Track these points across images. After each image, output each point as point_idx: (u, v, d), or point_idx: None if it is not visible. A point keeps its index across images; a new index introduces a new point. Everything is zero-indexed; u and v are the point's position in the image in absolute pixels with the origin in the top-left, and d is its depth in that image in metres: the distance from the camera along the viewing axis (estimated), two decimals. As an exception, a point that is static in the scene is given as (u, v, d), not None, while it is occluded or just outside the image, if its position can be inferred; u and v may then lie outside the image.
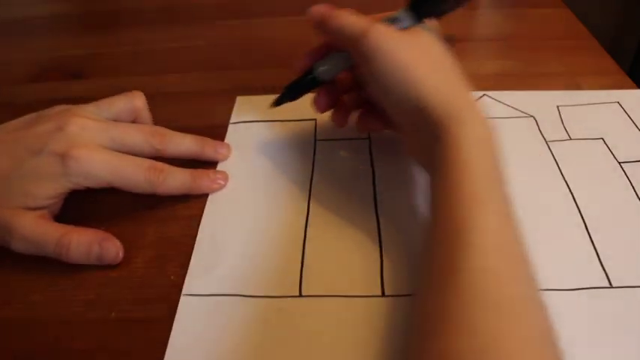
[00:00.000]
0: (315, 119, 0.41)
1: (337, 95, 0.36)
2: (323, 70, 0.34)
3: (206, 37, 0.55)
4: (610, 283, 0.28)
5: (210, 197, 0.35)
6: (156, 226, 0.33)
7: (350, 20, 0.30)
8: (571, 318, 0.27)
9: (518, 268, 0.23)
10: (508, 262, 0.22)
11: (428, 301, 0.23)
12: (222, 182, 0.35)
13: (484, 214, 0.23)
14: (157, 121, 0.43)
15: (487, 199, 0.24)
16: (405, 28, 0.30)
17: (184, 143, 0.35)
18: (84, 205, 0.32)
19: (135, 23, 0.59)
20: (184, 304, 0.28)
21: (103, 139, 0.31)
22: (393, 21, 0.30)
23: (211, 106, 0.44)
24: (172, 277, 0.30)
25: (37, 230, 0.29)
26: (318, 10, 0.32)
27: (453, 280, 0.21)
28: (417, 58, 0.29)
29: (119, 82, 0.48)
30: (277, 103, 0.37)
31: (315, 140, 0.39)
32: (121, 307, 0.29)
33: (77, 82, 0.49)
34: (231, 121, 0.42)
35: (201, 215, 0.34)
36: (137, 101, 0.35)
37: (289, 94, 0.36)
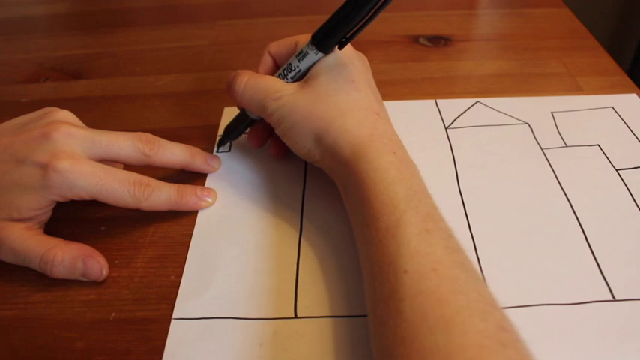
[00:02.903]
0: None
1: (270, 131, 0.36)
2: (250, 110, 0.35)
3: (206, 37, 0.55)
4: (613, 296, 0.28)
5: (199, 215, 0.34)
6: (156, 226, 0.34)
7: (247, 94, 0.33)
8: (574, 333, 0.26)
9: (456, 280, 0.23)
10: (444, 278, 0.22)
11: (380, 331, 0.23)
12: (209, 200, 0.34)
13: (410, 238, 0.24)
14: (157, 121, 0.43)
15: (408, 223, 0.25)
16: (302, 75, 0.33)
17: (174, 151, 0.34)
18: (84, 204, 0.32)
19: (135, 23, 0.59)
20: (174, 328, 0.27)
21: (90, 148, 0.30)
22: (302, 57, 0.32)
23: (212, 106, 0.44)
24: (172, 277, 0.30)
25: (23, 244, 0.29)
26: (229, 78, 0.35)
27: (397, 308, 0.22)
28: (313, 112, 0.31)
29: (119, 82, 0.48)
30: (220, 144, 0.39)
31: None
32: (121, 307, 0.29)
33: (77, 82, 0.49)
34: (219, 133, 0.41)
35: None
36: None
37: (229, 134, 0.38)
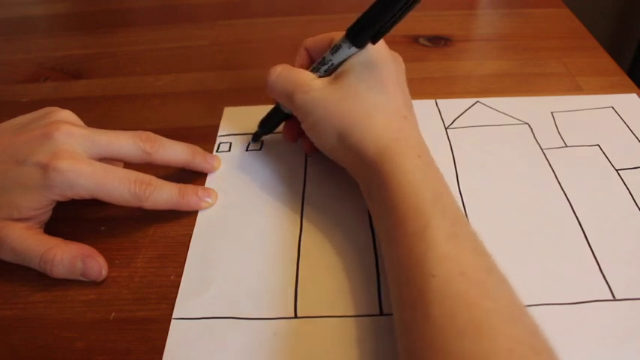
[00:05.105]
0: None
1: None
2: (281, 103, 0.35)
3: (206, 37, 0.55)
4: (613, 296, 0.28)
5: (199, 215, 0.34)
6: (156, 226, 0.33)
7: (278, 85, 0.33)
8: (574, 333, 0.26)
9: (485, 284, 0.22)
10: (473, 282, 0.22)
11: (407, 336, 0.23)
12: (209, 200, 0.34)
13: (438, 242, 0.24)
14: (157, 121, 0.43)
15: (436, 227, 0.24)
16: (335, 69, 0.32)
17: (175, 149, 0.34)
18: (84, 204, 0.32)
19: (135, 23, 0.59)
20: (174, 328, 0.27)
21: (90, 147, 0.30)
22: (336, 50, 0.32)
23: (212, 106, 0.44)
24: (172, 277, 0.30)
25: (23, 244, 0.29)
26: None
27: (425, 313, 0.22)
28: (340, 110, 0.31)
29: (119, 82, 0.48)
30: (255, 139, 0.39)
31: (307, 153, 0.38)
32: (121, 307, 0.29)
33: (77, 82, 0.49)
34: (219, 133, 0.41)
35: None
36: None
37: (264, 128, 0.38)
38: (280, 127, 0.39)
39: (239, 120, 0.42)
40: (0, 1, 0.65)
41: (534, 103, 0.42)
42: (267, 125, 0.38)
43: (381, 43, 0.32)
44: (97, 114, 0.44)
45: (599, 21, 1.18)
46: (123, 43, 0.55)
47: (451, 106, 0.42)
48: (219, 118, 0.42)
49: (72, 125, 0.30)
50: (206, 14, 0.59)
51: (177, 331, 0.27)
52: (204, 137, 0.40)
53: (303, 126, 0.33)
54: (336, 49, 0.32)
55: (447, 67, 0.48)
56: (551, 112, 0.41)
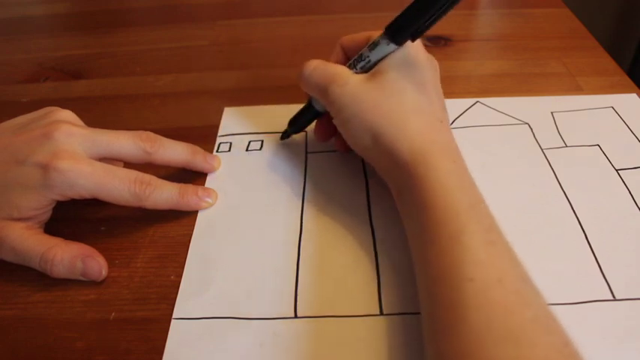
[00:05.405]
0: (306, 131, 0.40)
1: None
2: (315, 100, 0.35)
3: (206, 37, 0.55)
4: (613, 296, 0.28)
5: (199, 215, 0.34)
6: (156, 226, 0.33)
7: (314, 78, 0.33)
8: (574, 333, 0.26)
9: (522, 293, 0.23)
10: (510, 290, 0.22)
11: (438, 337, 0.22)
12: (209, 200, 0.34)
13: (476, 248, 0.24)
14: (157, 121, 0.43)
15: (472, 232, 0.24)
16: (372, 67, 0.32)
17: (175, 149, 0.34)
18: (84, 204, 0.32)
19: (135, 23, 0.59)
20: (174, 328, 0.27)
21: (91, 147, 0.30)
22: (374, 47, 0.32)
23: (212, 106, 0.44)
24: (172, 277, 0.30)
25: (23, 244, 0.29)
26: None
27: (462, 316, 0.22)
28: (376, 107, 0.30)
29: (119, 82, 0.48)
30: (283, 137, 0.39)
31: (307, 153, 0.38)
32: (121, 307, 0.29)
33: (77, 82, 0.49)
34: (219, 133, 0.41)
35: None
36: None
37: (294, 127, 0.38)
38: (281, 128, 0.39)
39: (239, 120, 0.42)
40: (0, 1, 0.65)
41: (534, 103, 0.42)
42: (297, 123, 0.38)
43: (418, 43, 0.32)
44: (97, 114, 0.44)
45: (599, 21, 1.18)
46: (123, 43, 0.55)
47: (451, 106, 0.42)
48: (219, 118, 0.42)
49: (72, 125, 0.30)
50: (206, 14, 0.59)
51: (177, 331, 0.27)
52: (204, 137, 0.40)
53: (336, 121, 0.33)
54: (374, 45, 0.32)
55: (447, 67, 0.48)
56: (551, 112, 0.41)
